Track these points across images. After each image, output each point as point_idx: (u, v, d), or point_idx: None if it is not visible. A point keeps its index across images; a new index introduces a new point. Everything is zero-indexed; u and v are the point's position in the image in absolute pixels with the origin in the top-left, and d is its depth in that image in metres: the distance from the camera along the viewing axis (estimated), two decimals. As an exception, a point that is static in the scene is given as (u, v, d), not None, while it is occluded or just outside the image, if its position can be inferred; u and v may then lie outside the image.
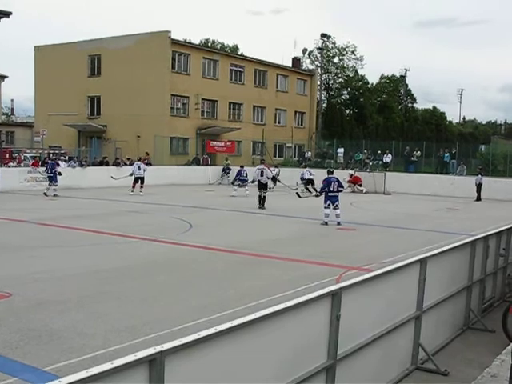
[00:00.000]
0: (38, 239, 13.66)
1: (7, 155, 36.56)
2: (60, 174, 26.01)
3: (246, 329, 3.54)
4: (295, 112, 55.58)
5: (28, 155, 37.54)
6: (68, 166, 32.55)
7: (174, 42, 43.82)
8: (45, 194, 24.92)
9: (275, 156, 49.93)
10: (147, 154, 38.03)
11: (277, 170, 33.20)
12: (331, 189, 17.38)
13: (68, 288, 8.84)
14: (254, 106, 51.21)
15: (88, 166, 33.82)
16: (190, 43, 48.89)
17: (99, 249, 12.42)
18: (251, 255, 11.87)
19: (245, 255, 11.89)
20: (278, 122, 53.81)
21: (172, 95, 44.30)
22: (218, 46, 69.52)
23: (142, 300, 8.27)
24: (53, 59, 45.95)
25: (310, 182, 29.48)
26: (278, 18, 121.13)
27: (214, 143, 42.34)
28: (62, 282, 9.19)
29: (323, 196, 17.65)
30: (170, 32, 43.39)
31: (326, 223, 17.19)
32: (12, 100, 69.73)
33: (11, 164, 32.89)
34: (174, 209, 20.75)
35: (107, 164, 35.06)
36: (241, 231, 16.19)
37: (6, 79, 55.03)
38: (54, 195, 24.86)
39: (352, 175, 32.82)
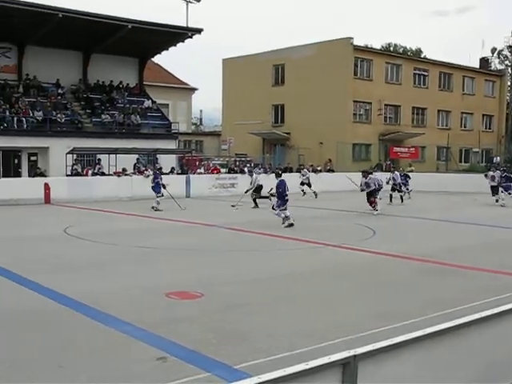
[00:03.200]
0: (227, 243, 14.28)
1: (197, 163, 38.64)
2: (164, 186, 22.72)
3: (441, 337, 3.42)
4: (483, 115, 53.09)
5: (216, 162, 39.36)
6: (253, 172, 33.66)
7: (356, 48, 43.82)
8: (152, 207, 21.94)
9: (460, 161, 48.06)
10: (330, 160, 38.29)
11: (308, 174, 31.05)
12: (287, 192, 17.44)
13: (255, 291, 9.13)
14: (439, 110, 49.71)
15: (272, 172, 34.69)
16: (371, 48, 48.62)
17: (283, 254, 12.68)
18: (435, 263, 11.46)
19: (429, 263, 11.51)
20: (464, 126, 51.72)
21: (354, 101, 44.32)
22: (401, 50, 68.34)
23: (324, 304, 8.31)
24: (239, 70, 47.90)
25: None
26: (464, 17, 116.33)
27: (398, 149, 41.69)
28: (250, 285, 9.50)
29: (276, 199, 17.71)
30: (352, 38, 43.43)
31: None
32: (201, 111, 73.60)
33: (199, 171, 34.67)
34: (357, 215, 20.66)
35: (291, 171, 35.76)
36: (422, 238, 15.67)
37: (196, 91, 58.24)
38: (153, 207, 21.93)
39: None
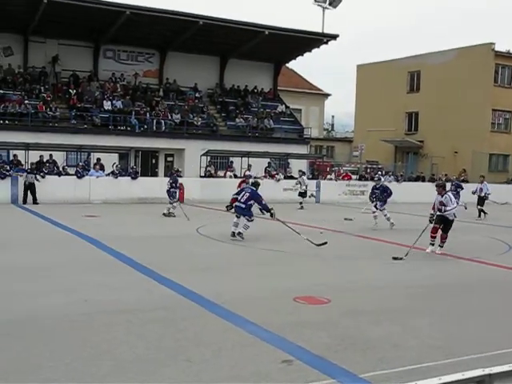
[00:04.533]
0: (353, 249, 14.19)
1: (328, 169, 38.62)
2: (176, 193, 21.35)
3: None
4: None
5: (347, 169, 39.14)
6: (384, 180, 33.20)
7: (498, 54, 42.03)
8: (164, 213, 20.74)
9: None
10: (464, 170, 36.94)
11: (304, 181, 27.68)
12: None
13: (383, 299, 8.99)
14: None
15: (404, 181, 34.07)
16: (514, 54, 46.39)
17: (401, 264, 12.38)
18: None
19: None
20: None
21: (493, 110, 42.53)
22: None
23: (455, 319, 8.03)
24: (373, 77, 47.38)
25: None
26: None
27: (538, 160, 39.52)
28: (378, 293, 9.37)
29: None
30: (493, 44, 41.71)
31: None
32: (333, 116, 73.47)
33: (329, 177, 34.60)
34: (491, 228, 19.81)
35: (423, 180, 34.88)
36: None
37: (328, 97, 58.20)
38: (165, 213, 20.74)
39: None
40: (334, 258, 12.85)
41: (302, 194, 26.72)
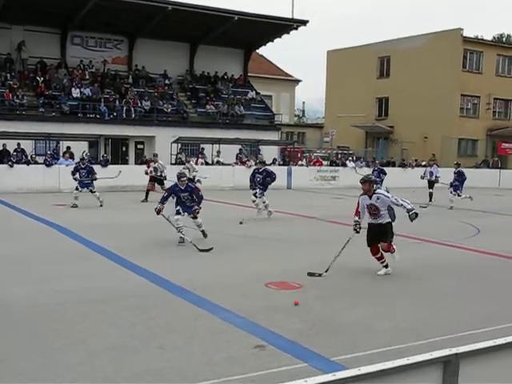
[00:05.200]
0: (326, 235, 14.28)
1: (299, 155, 38.73)
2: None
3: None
4: None
5: (318, 155, 39.28)
6: (355, 166, 33.54)
7: (466, 40, 42.48)
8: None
9: None
10: (433, 155, 37.31)
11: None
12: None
13: (355, 284, 9.09)
14: (554, 104, 47.39)
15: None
16: (482, 40, 46.88)
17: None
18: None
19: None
20: None
21: (462, 95, 43.01)
22: (514, 42, 65.54)
23: (426, 302, 8.15)
24: (343, 62, 47.55)
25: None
26: None
27: (506, 145, 40.08)
28: (350, 277, 9.47)
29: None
30: (462, 29, 42.14)
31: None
32: (303, 102, 73.58)
33: (300, 163, 34.71)
34: (464, 212, 20.05)
35: (394, 165, 35.18)
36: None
37: (299, 83, 58.26)
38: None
39: None
40: (309, 243, 12.93)
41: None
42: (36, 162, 26.68)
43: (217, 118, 36.25)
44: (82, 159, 22.11)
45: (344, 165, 33.57)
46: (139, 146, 34.81)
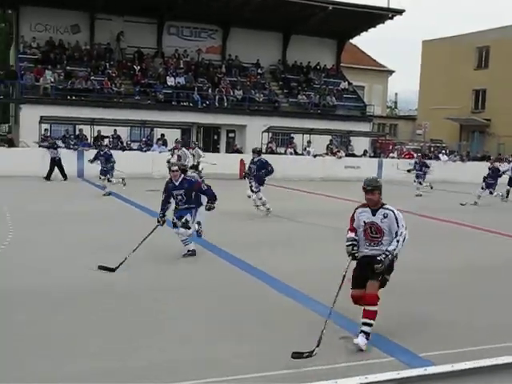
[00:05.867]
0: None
1: (390, 147, 38.07)
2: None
3: None
4: None
5: (410, 147, 38.51)
6: (448, 159, 32.73)
7: None
8: None
9: None
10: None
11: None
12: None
13: (441, 280, 8.87)
14: None
15: (469, 160, 33.39)
16: None
17: (469, 244, 12.11)
18: None
19: None
20: None
21: None
22: None
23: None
24: (439, 53, 46.23)
25: None
26: None
27: None
28: (437, 274, 9.24)
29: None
30: None
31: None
32: (396, 94, 72.23)
33: (392, 155, 34.12)
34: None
35: (489, 159, 33.99)
36: None
37: (393, 74, 57.18)
38: None
39: None
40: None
41: (196, 167, 21.03)
42: (131, 149, 27.48)
43: (308, 108, 36.18)
44: (100, 146, 21.97)
45: (437, 158, 32.77)
46: (230, 135, 35.25)
